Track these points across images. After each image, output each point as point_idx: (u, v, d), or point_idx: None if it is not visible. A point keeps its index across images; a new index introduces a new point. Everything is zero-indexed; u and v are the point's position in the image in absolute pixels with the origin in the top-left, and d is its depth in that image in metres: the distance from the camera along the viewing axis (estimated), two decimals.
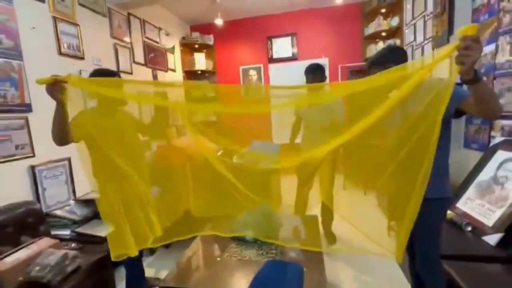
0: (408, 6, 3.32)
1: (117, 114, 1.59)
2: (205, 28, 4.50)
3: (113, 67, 2.83)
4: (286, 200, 3.29)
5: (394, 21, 3.59)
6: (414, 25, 3.10)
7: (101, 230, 1.82)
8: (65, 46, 2.27)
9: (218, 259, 1.52)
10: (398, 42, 3.59)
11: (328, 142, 1.62)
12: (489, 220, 1.53)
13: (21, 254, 1.46)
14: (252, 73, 4.56)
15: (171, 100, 1.59)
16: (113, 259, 1.37)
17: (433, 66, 0.96)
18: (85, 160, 1.40)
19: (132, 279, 1.67)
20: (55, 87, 1.15)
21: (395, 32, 3.69)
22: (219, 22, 4.03)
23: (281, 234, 1.74)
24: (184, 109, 1.71)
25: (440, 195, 1.23)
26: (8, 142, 1.79)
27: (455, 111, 1.08)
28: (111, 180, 1.46)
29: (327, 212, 2.40)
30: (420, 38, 2.96)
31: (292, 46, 4.36)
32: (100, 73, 1.51)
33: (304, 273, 0.77)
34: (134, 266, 1.66)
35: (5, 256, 1.42)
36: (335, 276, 1.98)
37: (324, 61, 4.11)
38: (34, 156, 1.95)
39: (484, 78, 1.92)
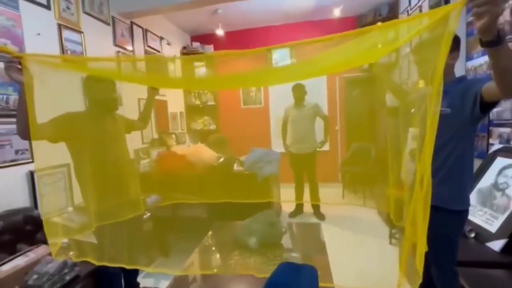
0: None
1: (108, 119, 1.57)
2: (206, 38, 4.58)
3: None
4: (286, 205, 3.34)
5: (390, 34, 3.70)
6: None
7: None
8: (69, 53, 2.28)
9: (223, 272, 1.49)
10: (393, 54, 3.69)
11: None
12: (492, 226, 1.55)
13: (18, 262, 1.41)
14: None
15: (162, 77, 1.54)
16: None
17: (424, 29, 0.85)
18: (41, 160, 1.36)
19: (107, 274, 1.58)
20: (12, 67, 1.10)
21: None
22: (219, 32, 4.11)
23: (285, 241, 1.72)
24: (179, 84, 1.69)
25: (462, 208, 1.16)
26: (9, 147, 1.77)
27: (480, 103, 1.00)
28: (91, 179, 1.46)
29: (315, 197, 3.21)
30: None
31: (291, 57, 4.44)
32: (94, 78, 1.48)
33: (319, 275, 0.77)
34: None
35: (2, 264, 1.37)
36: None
37: None
38: (33, 161, 1.92)
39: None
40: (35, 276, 1.34)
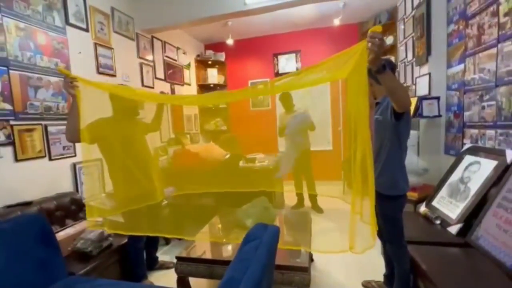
0: (401, 27, 3.64)
1: (130, 123, 1.92)
2: (218, 46, 4.99)
3: (138, 83, 3.30)
4: (288, 198, 3.65)
5: (389, 40, 3.92)
6: (405, 43, 3.41)
7: None
8: (102, 66, 2.74)
9: (224, 240, 1.85)
10: (393, 58, 3.90)
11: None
12: (453, 213, 1.79)
13: (69, 231, 1.85)
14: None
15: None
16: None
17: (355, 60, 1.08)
18: (86, 156, 1.72)
19: (133, 248, 1.95)
20: (68, 83, 1.48)
21: (391, 49, 4.01)
22: (230, 41, 4.50)
23: (277, 223, 2.04)
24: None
25: (397, 193, 1.43)
26: (58, 144, 2.23)
27: (394, 114, 1.28)
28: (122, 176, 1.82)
29: (312, 191, 3.47)
30: (410, 56, 3.26)
31: (296, 62, 4.76)
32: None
33: (280, 232, 1.10)
34: (137, 239, 1.92)
35: (58, 232, 1.81)
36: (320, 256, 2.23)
37: None
38: (75, 155, 2.38)
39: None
40: (81, 241, 1.77)
